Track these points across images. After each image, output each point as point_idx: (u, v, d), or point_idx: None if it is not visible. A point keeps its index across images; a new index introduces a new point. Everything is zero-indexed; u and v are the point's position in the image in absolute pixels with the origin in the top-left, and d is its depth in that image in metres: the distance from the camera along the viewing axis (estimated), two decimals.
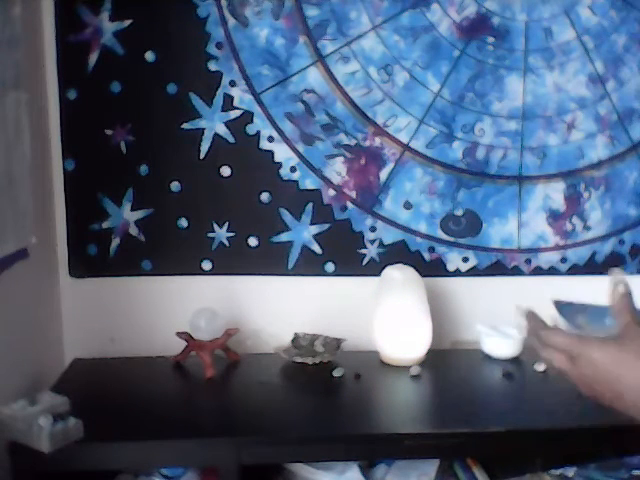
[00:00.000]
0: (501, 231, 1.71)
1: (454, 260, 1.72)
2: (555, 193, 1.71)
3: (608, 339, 0.82)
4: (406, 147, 1.66)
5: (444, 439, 1.31)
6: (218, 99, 1.61)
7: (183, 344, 1.59)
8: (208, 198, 1.64)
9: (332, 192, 1.67)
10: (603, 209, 1.72)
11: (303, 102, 1.63)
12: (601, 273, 1.75)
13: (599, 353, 0.81)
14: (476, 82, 1.65)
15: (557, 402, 1.43)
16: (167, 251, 1.66)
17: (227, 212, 1.65)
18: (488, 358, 1.64)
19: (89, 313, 1.68)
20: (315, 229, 1.67)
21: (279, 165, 1.65)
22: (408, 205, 1.69)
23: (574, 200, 1.71)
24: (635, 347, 0.79)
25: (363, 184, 1.67)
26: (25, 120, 1.39)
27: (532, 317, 0.90)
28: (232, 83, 1.61)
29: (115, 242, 1.65)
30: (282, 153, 1.64)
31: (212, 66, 1.60)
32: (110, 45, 1.57)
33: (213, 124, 1.62)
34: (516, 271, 1.73)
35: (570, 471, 1.08)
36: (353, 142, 1.65)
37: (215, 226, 1.65)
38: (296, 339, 1.65)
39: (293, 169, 1.65)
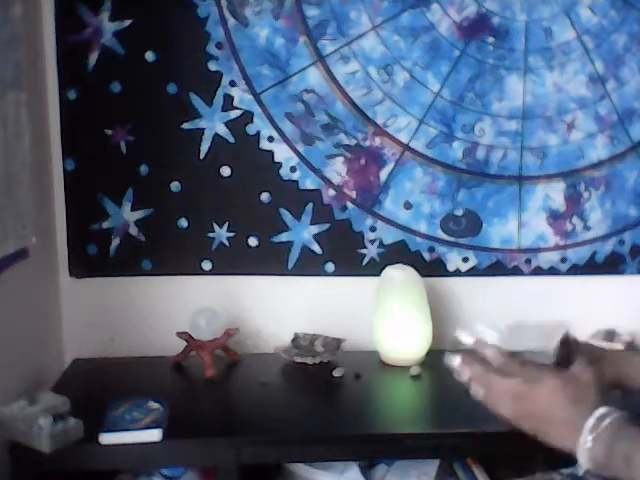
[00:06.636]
0: (501, 231, 1.71)
1: (454, 260, 1.72)
2: (555, 193, 1.71)
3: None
4: (406, 147, 1.66)
5: (444, 439, 1.31)
6: (218, 99, 1.61)
7: (183, 344, 1.59)
8: (208, 198, 1.64)
9: (332, 192, 1.67)
10: (603, 209, 1.72)
11: (303, 102, 1.63)
12: (601, 273, 1.75)
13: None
14: (476, 82, 1.65)
15: None
16: (167, 251, 1.66)
17: (227, 212, 1.65)
18: None
19: (89, 313, 1.68)
20: (315, 229, 1.67)
21: (279, 165, 1.65)
22: (408, 205, 1.69)
23: (574, 200, 1.71)
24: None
25: (363, 184, 1.67)
26: (25, 120, 1.38)
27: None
28: (232, 83, 1.61)
29: (115, 242, 1.65)
30: (282, 153, 1.64)
31: (212, 66, 1.60)
32: (110, 45, 1.57)
33: (213, 124, 1.62)
34: (516, 271, 1.73)
35: (580, 470, 1.08)
36: (353, 142, 1.65)
37: (215, 226, 1.65)
38: (296, 339, 1.65)
39: (293, 169, 1.65)
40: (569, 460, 1.09)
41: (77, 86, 1.58)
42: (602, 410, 0.87)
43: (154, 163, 1.63)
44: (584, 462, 0.86)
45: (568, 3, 1.63)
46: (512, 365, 0.94)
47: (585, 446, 0.85)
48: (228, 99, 1.61)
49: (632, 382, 1.04)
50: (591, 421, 0.86)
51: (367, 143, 1.65)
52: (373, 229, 1.69)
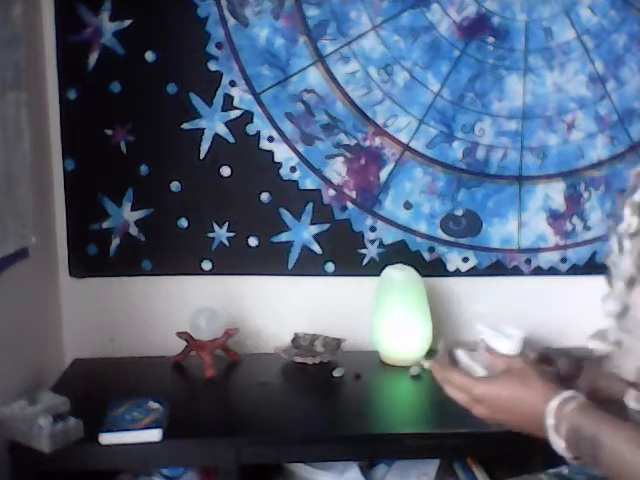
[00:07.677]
0: (501, 231, 1.71)
1: (454, 260, 1.72)
2: (555, 193, 1.71)
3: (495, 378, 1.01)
4: (406, 147, 1.66)
5: (444, 439, 1.31)
6: (218, 99, 1.61)
7: (183, 344, 1.59)
8: (208, 198, 1.64)
9: (332, 192, 1.67)
10: (603, 209, 1.72)
11: (303, 102, 1.63)
12: (601, 273, 1.75)
13: (497, 389, 0.98)
14: (476, 82, 1.65)
15: None
16: (167, 251, 1.66)
17: (227, 212, 1.65)
18: None
19: (89, 313, 1.68)
20: (315, 229, 1.67)
21: (279, 165, 1.65)
22: (408, 205, 1.69)
23: (574, 200, 1.71)
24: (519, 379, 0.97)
25: (363, 184, 1.67)
26: (25, 120, 1.39)
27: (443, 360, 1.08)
28: (232, 83, 1.61)
29: (115, 242, 1.65)
30: (282, 153, 1.64)
31: (212, 66, 1.60)
32: (110, 45, 1.57)
33: (213, 124, 1.62)
34: (516, 271, 1.73)
35: (565, 469, 1.09)
36: (353, 142, 1.65)
37: (215, 226, 1.65)
38: (296, 339, 1.65)
39: (293, 169, 1.65)
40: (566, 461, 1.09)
41: (77, 86, 1.58)
42: (568, 393, 0.89)
43: (154, 163, 1.63)
44: (557, 446, 0.88)
45: (568, 3, 1.63)
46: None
47: (551, 428, 0.88)
48: (228, 99, 1.61)
49: (605, 394, 1.04)
50: (554, 403, 0.88)
51: (367, 143, 1.65)
52: (373, 229, 1.69)
